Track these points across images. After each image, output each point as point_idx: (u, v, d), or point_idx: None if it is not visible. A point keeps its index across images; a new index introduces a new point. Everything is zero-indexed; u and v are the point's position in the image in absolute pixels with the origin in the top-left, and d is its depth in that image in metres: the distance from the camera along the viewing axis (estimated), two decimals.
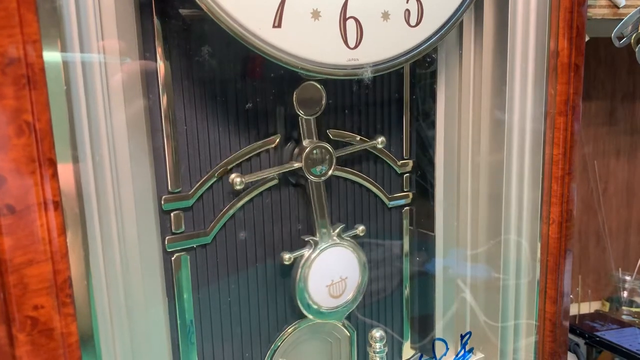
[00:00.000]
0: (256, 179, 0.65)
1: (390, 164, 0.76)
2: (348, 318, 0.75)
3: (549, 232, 0.71)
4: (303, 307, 0.69)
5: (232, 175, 0.63)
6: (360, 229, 0.73)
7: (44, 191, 0.44)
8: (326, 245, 0.69)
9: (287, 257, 0.67)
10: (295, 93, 0.64)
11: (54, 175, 0.44)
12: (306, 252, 0.69)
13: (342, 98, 0.70)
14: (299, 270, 0.68)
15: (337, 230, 0.70)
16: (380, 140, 0.73)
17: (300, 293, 0.68)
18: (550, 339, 0.75)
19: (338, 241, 0.70)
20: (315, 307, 0.70)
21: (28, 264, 0.44)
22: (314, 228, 0.69)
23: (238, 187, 0.63)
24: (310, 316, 0.70)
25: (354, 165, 0.73)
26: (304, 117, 0.65)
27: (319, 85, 0.65)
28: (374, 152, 0.74)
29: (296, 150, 0.66)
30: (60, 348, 0.46)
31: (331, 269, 0.70)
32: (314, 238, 0.69)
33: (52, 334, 0.46)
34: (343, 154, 0.70)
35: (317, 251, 0.69)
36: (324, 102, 0.66)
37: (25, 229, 0.43)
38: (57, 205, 0.44)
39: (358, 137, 0.72)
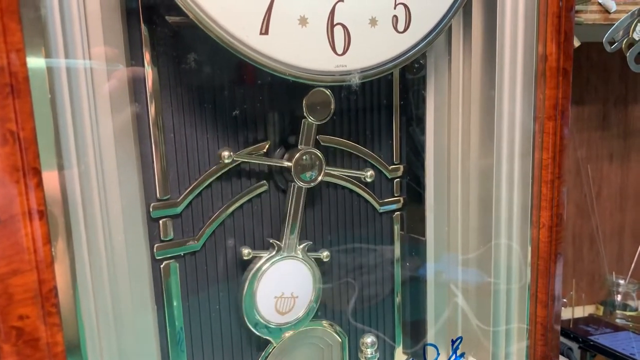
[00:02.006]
0: (245, 160, 0.64)
1: (381, 169, 0.76)
2: (339, 324, 0.75)
3: (539, 236, 0.71)
4: (245, 309, 0.66)
5: (221, 150, 0.62)
6: (325, 254, 0.71)
7: (28, 200, 0.43)
8: (288, 255, 0.68)
9: (246, 252, 0.66)
10: (305, 98, 0.63)
11: (39, 184, 0.44)
12: (267, 254, 0.67)
13: None
14: (255, 268, 0.66)
15: (303, 245, 0.69)
16: (369, 175, 0.72)
17: (248, 292, 0.66)
18: (541, 342, 0.74)
19: (300, 256, 0.69)
20: (256, 314, 0.67)
21: (13, 273, 0.44)
22: (280, 233, 0.68)
23: (226, 161, 0.62)
24: (248, 323, 0.67)
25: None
26: (314, 122, 0.65)
27: (328, 92, 0.65)
28: (364, 157, 0.73)
29: (285, 156, 0.66)
30: (46, 358, 0.46)
31: (285, 282, 0.68)
32: (278, 242, 0.68)
33: (38, 344, 0.45)
34: (332, 173, 0.70)
35: (278, 257, 0.67)
36: (332, 108, 0.66)
37: (10, 239, 0.43)
38: (42, 214, 0.44)
39: (347, 142, 0.72)
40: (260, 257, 0.67)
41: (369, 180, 0.73)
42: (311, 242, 0.70)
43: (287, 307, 0.69)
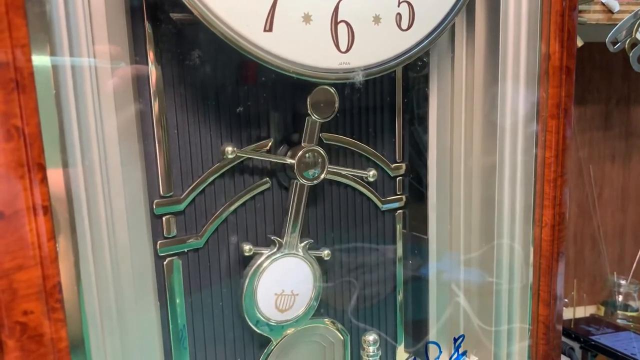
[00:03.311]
0: (248, 156, 0.64)
1: (383, 167, 0.76)
2: (341, 321, 0.75)
3: (541, 235, 0.71)
4: (246, 306, 0.67)
5: (224, 145, 0.62)
6: (326, 252, 0.71)
7: (33, 196, 0.43)
8: (289, 252, 0.68)
9: (247, 248, 0.66)
10: (309, 97, 0.63)
11: (43, 179, 0.44)
12: (267, 251, 0.67)
13: None
14: (256, 265, 0.66)
15: (304, 243, 0.69)
16: (371, 174, 0.73)
17: (248, 289, 0.66)
18: (543, 342, 0.74)
19: (301, 254, 0.69)
20: (256, 312, 0.67)
21: (17, 269, 0.44)
22: (282, 231, 0.68)
23: (230, 156, 0.62)
24: (248, 319, 0.67)
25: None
26: (318, 120, 0.65)
27: (332, 90, 0.65)
28: (366, 155, 0.74)
29: (289, 154, 0.66)
30: (50, 354, 0.46)
31: (286, 279, 0.68)
32: (279, 239, 0.68)
33: (42, 340, 0.45)
34: (333, 171, 0.70)
35: (279, 254, 0.67)
36: (336, 106, 0.66)
37: (14, 234, 0.43)
38: (47, 210, 0.44)
39: (350, 140, 0.72)
40: (261, 254, 0.67)
41: (371, 179, 0.73)
42: (312, 240, 0.70)
43: (287, 305, 0.69)
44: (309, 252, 0.70)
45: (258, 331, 0.68)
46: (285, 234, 0.68)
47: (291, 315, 0.70)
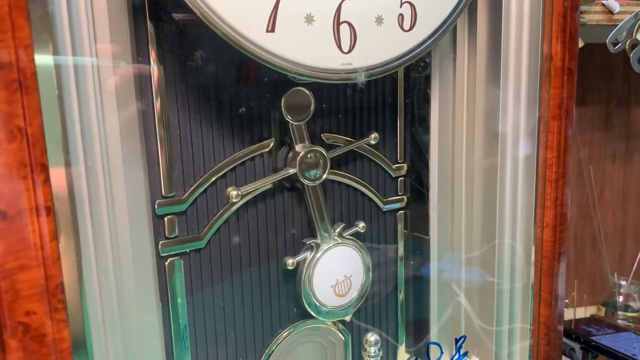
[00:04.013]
0: (252, 189, 0.65)
1: (385, 167, 0.76)
2: (342, 322, 0.75)
3: (543, 236, 0.71)
4: (310, 308, 0.70)
5: (229, 189, 0.63)
6: (361, 225, 0.73)
7: (35, 196, 0.43)
8: (328, 246, 0.70)
9: (290, 262, 0.68)
10: (283, 99, 0.64)
11: (46, 180, 0.44)
12: (308, 254, 0.69)
13: (336, 102, 0.70)
14: (303, 273, 0.69)
15: (338, 229, 0.71)
16: (373, 137, 0.73)
17: (306, 295, 0.69)
18: (544, 342, 0.74)
19: (339, 241, 0.71)
20: (322, 307, 0.70)
21: (20, 269, 0.44)
22: (314, 230, 0.69)
23: (235, 200, 0.63)
24: (319, 317, 0.71)
25: (349, 169, 0.73)
26: (294, 122, 0.65)
27: (307, 91, 0.65)
28: (368, 155, 0.74)
29: (290, 154, 0.66)
30: (52, 354, 0.46)
31: (335, 269, 0.71)
32: (315, 240, 0.69)
33: (44, 340, 0.45)
34: (337, 153, 0.70)
35: (320, 253, 0.69)
36: (312, 107, 0.66)
37: (17, 234, 0.43)
38: (49, 210, 0.44)
39: (352, 140, 0.72)
40: (304, 260, 0.69)
41: (373, 142, 0.73)
42: (344, 223, 0.72)
43: (345, 289, 0.72)
44: (345, 234, 0.72)
45: (328, 322, 0.73)
46: (317, 233, 0.69)
47: (352, 295, 0.73)
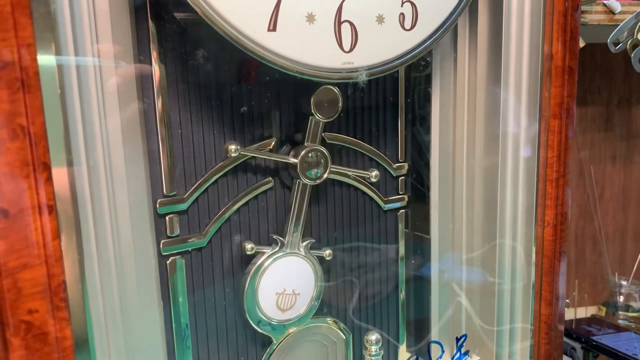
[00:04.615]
0: (251, 154, 0.64)
1: (386, 167, 0.76)
2: (343, 321, 0.75)
3: (543, 235, 0.71)
4: (247, 306, 0.67)
5: (227, 143, 0.62)
6: (327, 252, 0.71)
7: (38, 195, 0.44)
8: (290, 251, 0.68)
9: (249, 247, 0.66)
10: (313, 96, 0.64)
11: (48, 179, 0.44)
12: (269, 249, 0.68)
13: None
14: (258, 264, 0.66)
15: (306, 243, 0.69)
16: (374, 175, 0.73)
17: (250, 287, 0.66)
18: (545, 341, 0.74)
19: (303, 253, 0.69)
20: (256, 309, 0.67)
21: (22, 267, 0.44)
22: (284, 230, 0.68)
23: (233, 155, 0.62)
24: (248, 317, 0.67)
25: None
26: (321, 119, 0.65)
27: (336, 90, 0.65)
28: (369, 154, 0.74)
29: (292, 153, 0.66)
30: (54, 352, 0.46)
31: (287, 278, 0.69)
32: (281, 238, 0.68)
33: (47, 338, 0.46)
34: (336, 170, 0.70)
35: (280, 253, 0.68)
36: (340, 105, 0.66)
37: (19, 233, 0.43)
38: (52, 209, 0.44)
39: (353, 139, 0.72)
40: (263, 253, 0.67)
41: (373, 180, 0.73)
42: (314, 240, 0.70)
43: (289, 304, 0.69)
44: (311, 251, 0.70)
45: (260, 331, 0.68)
46: (287, 233, 0.68)
47: (292, 314, 0.70)
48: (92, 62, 0.50)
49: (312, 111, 0.64)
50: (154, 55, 0.56)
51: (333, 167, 0.68)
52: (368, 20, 0.59)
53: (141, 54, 0.56)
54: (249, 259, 0.67)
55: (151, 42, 0.56)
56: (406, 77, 0.75)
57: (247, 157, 0.64)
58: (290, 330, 0.70)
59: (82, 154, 0.49)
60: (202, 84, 0.61)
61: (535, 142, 0.70)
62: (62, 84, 0.46)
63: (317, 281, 0.71)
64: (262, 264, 0.67)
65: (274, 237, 0.68)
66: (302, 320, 0.71)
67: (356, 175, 0.72)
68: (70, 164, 0.47)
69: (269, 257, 0.67)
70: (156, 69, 0.57)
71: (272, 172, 0.67)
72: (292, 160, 0.65)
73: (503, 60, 0.70)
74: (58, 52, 0.45)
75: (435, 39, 0.64)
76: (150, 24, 0.56)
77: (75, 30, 0.47)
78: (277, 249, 0.67)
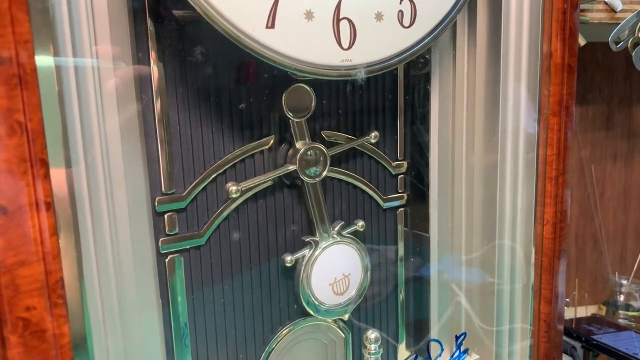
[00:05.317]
0: (252, 185, 0.65)
1: (385, 165, 0.76)
2: (342, 319, 0.75)
3: (543, 233, 0.71)
4: (309, 307, 0.70)
5: (229, 184, 0.63)
6: (360, 224, 0.73)
7: (35, 192, 0.43)
8: (326, 244, 0.70)
9: (289, 259, 0.68)
10: (284, 95, 0.64)
11: (46, 175, 0.44)
12: (307, 252, 0.69)
13: (335, 99, 0.70)
14: (302, 271, 0.68)
15: (337, 227, 0.71)
16: (373, 135, 0.73)
17: (303, 293, 0.69)
18: (545, 340, 0.74)
19: (338, 239, 0.71)
20: (320, 306, 0.70)
21: (20, 264, 0.44)
22: (313, 228, 0.69)
23: (234, 195, 0.63)
24: (317, 316, 0.71)
25: (349, 166, 0.73)
26: (294, 119, 0.65)
27: (308, 87, 0.65)
28: (368, 153, 0.74)
29: (290, 152, 0.66)
30: (52, 349, 0.46)
31: (333, 267, 0.71)
32: (314, 238, 0.69)
33: (44, 336, 0.45)
34: (337, 151, 0.70)
35: (318, 251, 0.69)
36: (313, 104, 0.66)
37: (17, 230, 0.43)
38: (49, 205, 0.44)
39: (352, 138, 0.72)
40: (303, 258, 0.69)
41: (373, 141, 0.73)
42: (343, 222, 0.72)
43: (344, 287, 0.72)
44: (344, 233, 0.72)
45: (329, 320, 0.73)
46: (316, 231, 0.69)
47: (350, 293, 0.73)
48: (90, 57, 0.50)
49: (285, 110, 0.64)
50: (153, 52, 0.56)
51: (332, 150, 0.69)
52: (367, 17, 0.59)
53: (139, 51, 0.55)
54: (251, 258, 0.67)
55: (149, 39, 0.56)
56: (405, 75, 0.75)
57: (246, 157, 0.64)
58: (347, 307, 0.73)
59: (80, 151, 0.49)
60: (201, 81, 0.60)
61: (535, 139, 0.70)
62: (60, 81, 0.46)
63: (362, 256, 0.73)
64: (304, 270, 0.69)
65: (307, 240, 0.69)
66: (359, 297, 0.74)
67: (354, 175, 0.73)
68: (68, 161, 0.47)
69: (309, 260, 0.69)
70: (154, 67, 0.56)
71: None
72: (291, 167, 0.65)
73: (502, 58, 0.70)
74: (56, 49, 0.45)
75: (434, 37, 0.64)
76: (149, 21, 0.55)
77: (73, 27, 0.47)
78: (313, 249, 0.69)
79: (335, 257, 0.71)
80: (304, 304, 0.69)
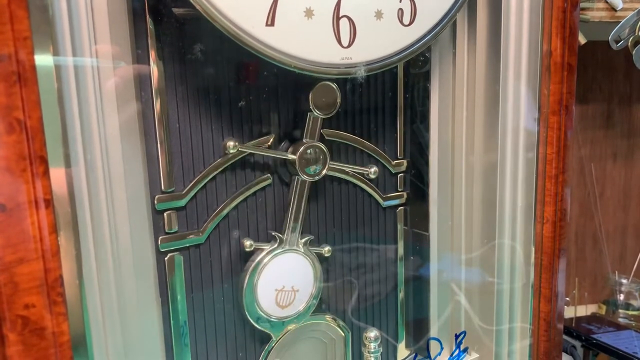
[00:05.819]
0: (250, 151, 0.64)
1: (385, 163, 0.76)
2: (342, 318, 0.75)
3: (542, 231, 0.71)
4: (246, 302, 0.66)
5: (226, 140, 0.62)
6: (326, 249, 0.71)
7: (34, 189, 0.43)
8: (289, 248, 0.68)
9: (248, 243, 0.66)
10: (311, 93, 0.64)
11: (45, 173, 0.44)
12: (268, 246, 0.67)
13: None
14: (257, 261, 0.66)
15: (305, 239, 0.69)
16: (372, 171, 0.73)
17: (249, 285, 0.66)
18: (544, 338, 0.74)
19: (302, 250, 0.69)
20: (257, 308, 0.67)
21: (18, 262, 0.44)
22: (283, 227, 0.68)
23: (231, 151, 0.62)
24: (248, 315, 0.67)
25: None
26: (319, 116, 0.65)
27: (334, 86, 0.65)
28: (368, 151, 0.73)
29: (290, 150, 0.66)
30: (51, 347, 0.46)
31: (286, 275, 0.69)
32: (280, 235, 0.68)
33: (43, 334, 0.45)
34: (335, 167, 0.70)
35: (279, 250, 0.67)
36: (339, 102, 0.66)
37: (16, 227, 0.43)
38: (48, 203, 0.44)
39: (352, 136, 0.72)
40: (262, 250, 0.67)
41: (372, 177, 0.73)
42: (313, 237, 0.70)
43: (288, 301, 0.69)
44: (310, 248, 0.70)
45: (259, 327, 0.68)
46: (286, 230, 0.68)
47: (291, 311, 0.70)
48: (89, 55, 0.49)
49: (311, 107, 0.64)
50: (152, 50, 0.56)
51: (332, 164, 0.68)
52: (367, 15, 0.59)
53: (139, 49, 0.55)
54: (247, 256, 0.67)
55: (149, 37, 0.56)
56: (405, 73, 0.75)
57: (245, 154, 0.64)
58: (289, 327, 0.70)
59: (80, 149, 0.49)
60: (201, 80, 0.60)
61: (535, 138, 0.70)
62: (59, 78, 0.46)
63: (316, 278, 0.71)
64: (261, 260, 0.66)
65: (273, 233, 0.67)
66: (301, 317, 0.71)
67: (355, 172, 0.72)
68: (67, 159, 0.47)
69: (268, 253, 0.67)
70: (154, 65, 0.56)
71: (271, 169, 0.67)
72: (291, 156, 0.65)
73: (502, 57, 0.69)
74: (55, 46, 0.45)
75: (434, 35, 0.64)
76: (148, 19, 0.55)
77: (72, 24, 0.47)
78: (276, 245, 0.67)
79: (292, 266, 0.69)
80: (243, 294, 0.66)
